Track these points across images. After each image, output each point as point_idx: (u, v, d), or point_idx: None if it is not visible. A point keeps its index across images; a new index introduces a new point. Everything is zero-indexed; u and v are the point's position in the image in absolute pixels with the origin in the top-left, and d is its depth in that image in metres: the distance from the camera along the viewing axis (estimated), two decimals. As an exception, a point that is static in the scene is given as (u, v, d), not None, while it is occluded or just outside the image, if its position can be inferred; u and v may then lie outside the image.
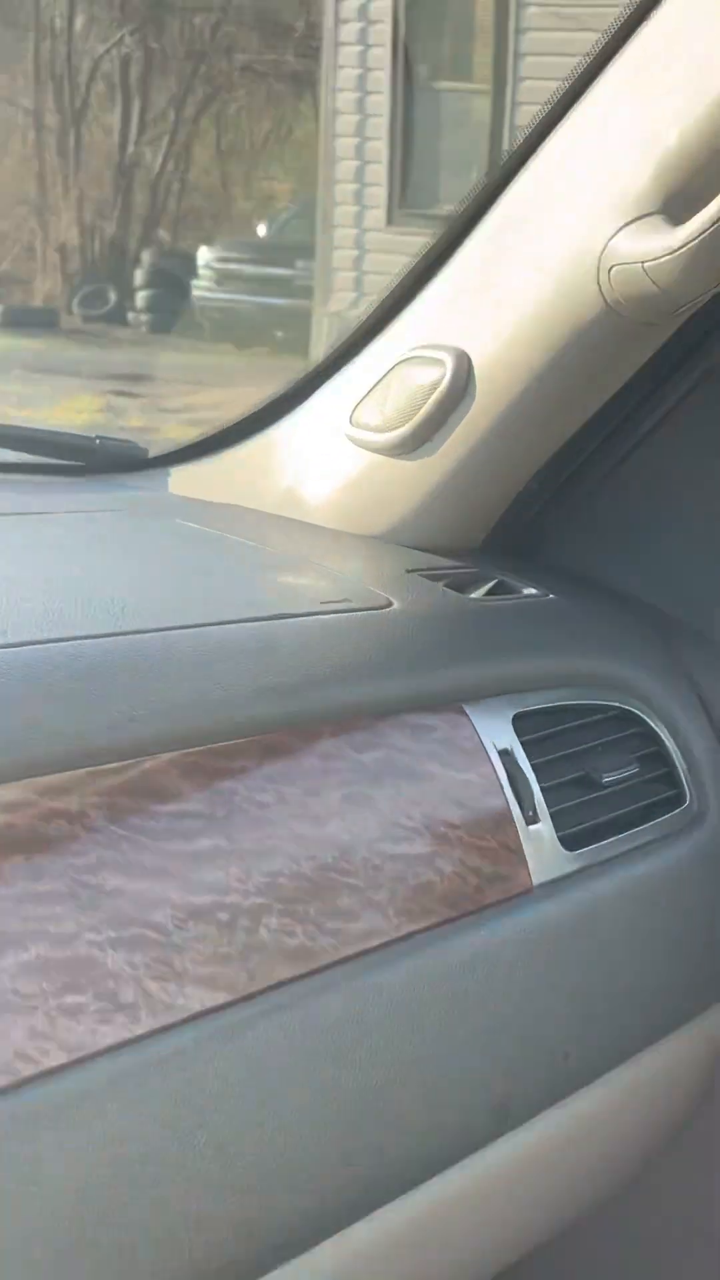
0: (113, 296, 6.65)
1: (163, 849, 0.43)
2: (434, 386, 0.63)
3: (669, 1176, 0.72)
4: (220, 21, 6.78)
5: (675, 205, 0.55)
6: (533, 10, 5.13)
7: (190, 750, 0.45)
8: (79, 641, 0.46)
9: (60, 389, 5.40)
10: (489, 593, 0.65)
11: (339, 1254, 0.47)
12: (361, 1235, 0.47)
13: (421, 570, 0.65)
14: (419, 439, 0.65)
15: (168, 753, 0.45)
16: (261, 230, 7.07)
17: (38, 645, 0.45)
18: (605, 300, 0.57)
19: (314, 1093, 0.45)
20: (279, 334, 6.23)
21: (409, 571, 0.65)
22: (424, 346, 0.65)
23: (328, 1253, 0.46)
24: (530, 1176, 0.59)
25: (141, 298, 6.71)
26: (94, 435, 0.79)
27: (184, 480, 0.79)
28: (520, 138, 0.63)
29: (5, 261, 6.95)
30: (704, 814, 0.63)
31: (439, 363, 0.63)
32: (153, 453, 0.83)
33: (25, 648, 0.45)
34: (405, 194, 5.54)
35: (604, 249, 0.56)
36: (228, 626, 0.52)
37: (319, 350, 6.07)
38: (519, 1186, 0.58)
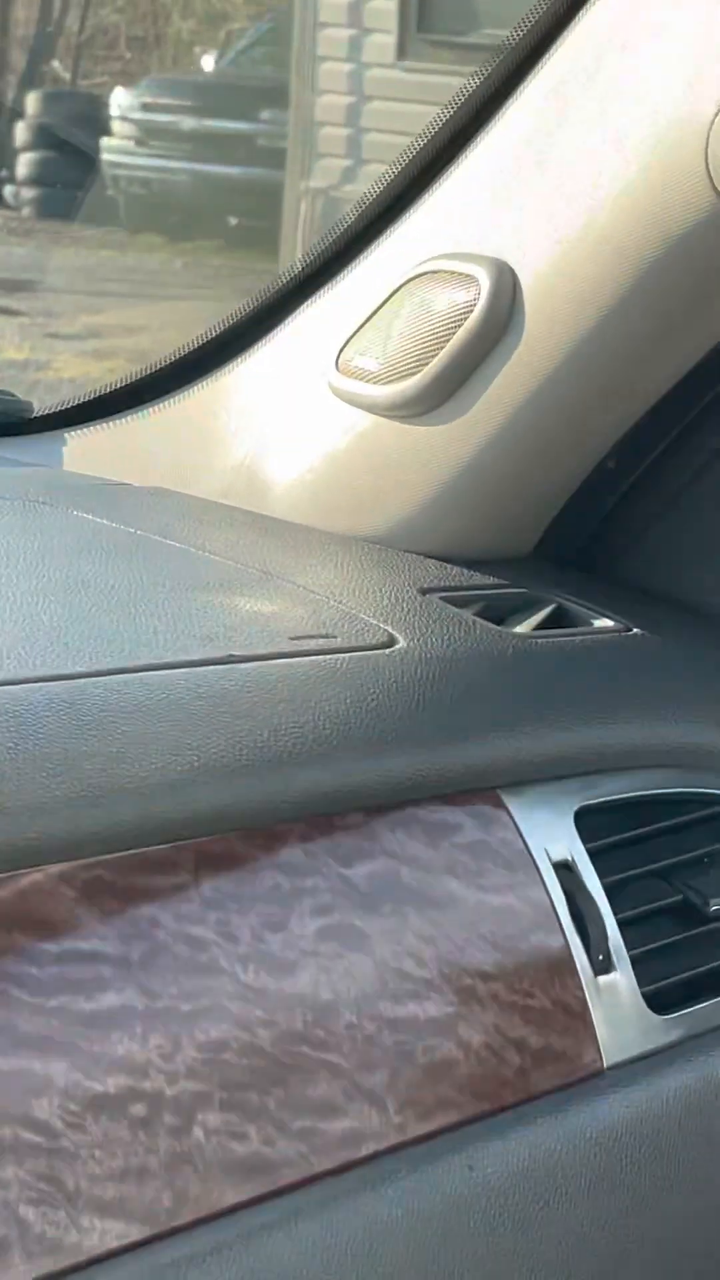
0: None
1: (48, 1007, 0.46)
2: (463, 314, 0.69)
3: None
4: None
5: None
6: None
7: (92, 860, 0.49)
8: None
9: None
10: (542, 624, 0.71)
11: None
12: None
13: (441, 590, 0.71)
14: (441, 392, 0.71)
15: (58, 863, 0.48)
16: (208, 63, 7.65)
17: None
18: (716, 188, 0.62)
19: None
20: (232, 221, 6.68)
21: (423, 592, 0.71)
22: (446, 256, 0.71)
23: None
24: None
25: (23, 164, 7.11)
26: None
27: (85, 450, 0.86)
28: None
29: None
30: None
31: (470, 279, 0.69)
32: (39, 409, 0.90)
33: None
34: (425, 12, 5.94)
35: (717, 115, 0.61)
36: (151, 674, 0.56)
37: (292, 252, 6.34)
38: None
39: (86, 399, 0.92)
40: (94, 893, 0.48)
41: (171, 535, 0.75)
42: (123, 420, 0.89)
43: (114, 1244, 0.44)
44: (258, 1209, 0.47)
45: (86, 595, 0.66)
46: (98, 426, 0.90)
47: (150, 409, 0.87)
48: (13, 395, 0.94)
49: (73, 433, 0.90)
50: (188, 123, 6.88)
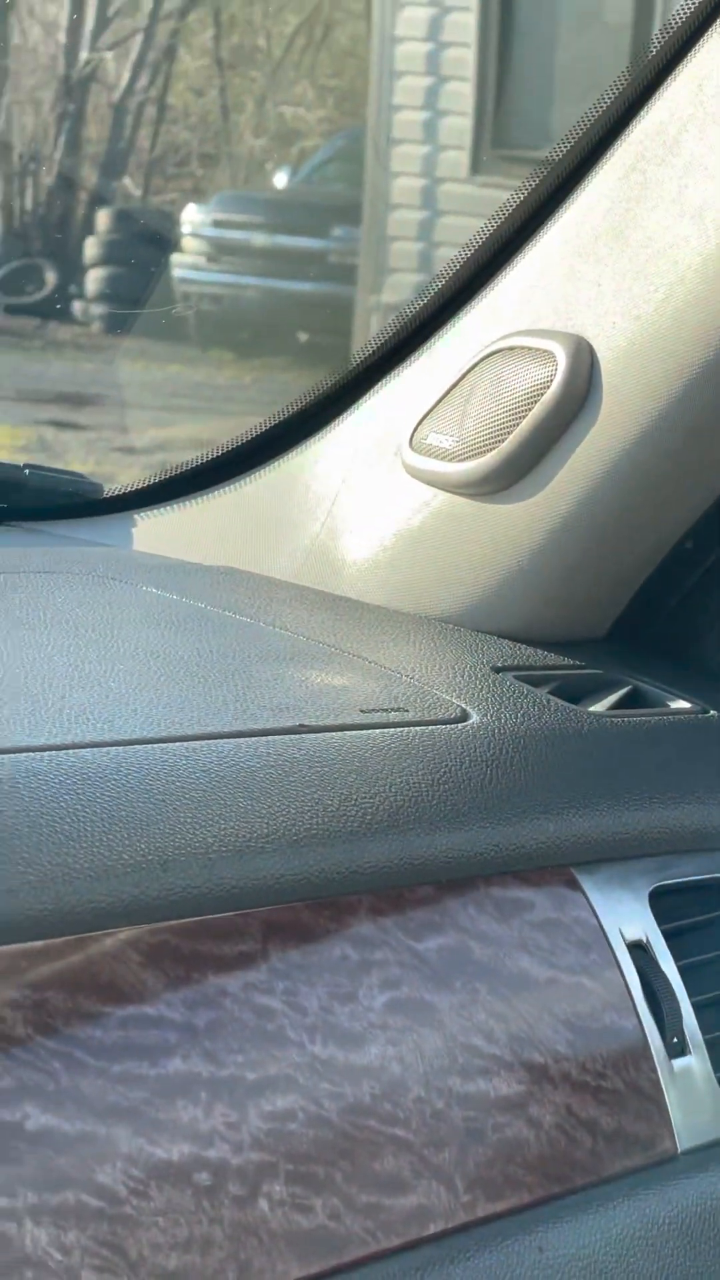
0: (49, 277, 7.51)
1: (112, 1071, 0.48)
2: (539, 390, 0.73)
3: None
4: None
5: None
6: None
7: (159, 925, 0.51)
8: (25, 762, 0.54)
9: None
10: (617, 704, 0.75)
11: None
12: None
13: (515, 669, 0.75)
14: (516, 470, 0.75)
15: (126, 928, 0.51)
16: (281, 180, 8.09)
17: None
18: None
19: None
20: (304, 337, 7.02)
21: (496, 670, 0.75)
22: (524, 333, 0.75)
23: None
24: None
25: (93, 280, 7.54)
26: (22, 465, 0.92)
27: (156, 530, 0.92)
28: (670, 34, 0.72)
29: None
30: None
31: (547, 355, 0.73)
32: (109, 491, 0.97)
33: None
34: (499, 128, 6.25)
35: None
36: (220, 742, 0.60)
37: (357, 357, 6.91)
38: None
39: (158, 481, 0.98)
40: (160, 958, 0.51)
41: (241, 611, 0.80)
42: (193, 502, 0.95)
43: None
44: None
45: (156, 665, 0.71)
46: (168, 508, 0.96)
47: (221, 490, 0.93)
48: (83, 477, 1.01)
49: (143, 514, 0.96)
50: (259, 239, 7.29)
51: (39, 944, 0.49)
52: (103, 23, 8.84)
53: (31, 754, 0.55)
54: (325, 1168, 0.52)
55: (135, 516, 0.96)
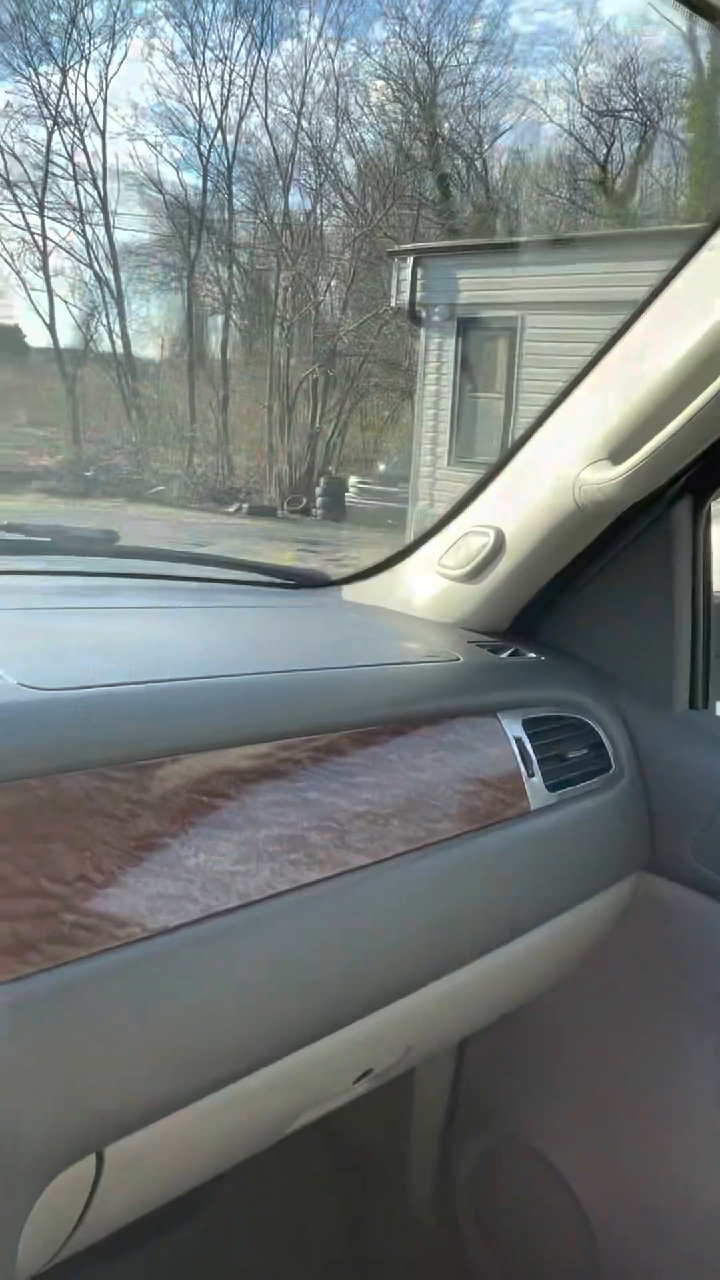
0: (304, 500, 18.71)
1: (340, 780, 1.13)
2: (483, 547, 1.58)
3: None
4: (365, 361, 20.21)
5: (616, 455, 1.43)
6: (529, 352, 13.74)
7: (355, 730, 1.18)
8: (302, 672, 1.20)
9: (273, 547, 13.91)
10: (510, 654, 1.56)
11: (403, 1008, 1.23)
12: (420, 998, 1.24)
13: (475, 642, 1.57)
14: (475, 575, 1.60)
15: (344, 730, 1.18)
16: (382, 467, 19.18)
17: (284, 674, 1.17)
18: (576, 503, 1.47)
19: (421, 914, 1.15)
20: (389, 521, 15.66)
21: (469, 643, 1.55)
22: (479, 525, 1.59)
23: (402, 1005, 1.22)
24: (518, 967, 1.43)
25: (319, 501, 18.18)
26: (300, 567, 1.79)
27: (350, 593, 1.80)
28: (530, 423, 1.54)
29: (251, 480, 19.85)
30: (620, 775, 1.56)
31: (486, 533, 1.57)
32: (333, 578, 1.80)
33: (279, 674, 1.16)
34: (457, 450, 13.97)
35: (576, 477, 1.45)
36: (374, 667, 1.32)
37: (412, 532, 13.68)
38: (509, 975, 1.44)
39: (349, 575, 1.83)
40: (357, 742, 1.19)
41: (380, 620, 1.65)
42: (363, 583, 1.82)
43: (360, 863, 1.13)
44: (411, 854, 1.19)
45: (346, 639, 1.52)
46: (354, 584, 1.83)
47: (373, 579, 1.81)
48: (322, 572, 1.89)
49: (345, 587, 1.85)
50: (374, 487, 18.39)
51: (316, 736, 1.13)
52: (323, 413, 21.73)
53: (311, 671, 1.24)
54: (412, 813, 1.18)
55: (342, 588, 1.80)
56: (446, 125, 23.45)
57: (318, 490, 19.32)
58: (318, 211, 22.58)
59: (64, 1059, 0.86)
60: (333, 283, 21.86)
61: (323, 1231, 2.03)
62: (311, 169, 22.68)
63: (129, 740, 1.00)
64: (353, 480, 19.14)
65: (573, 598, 1.72)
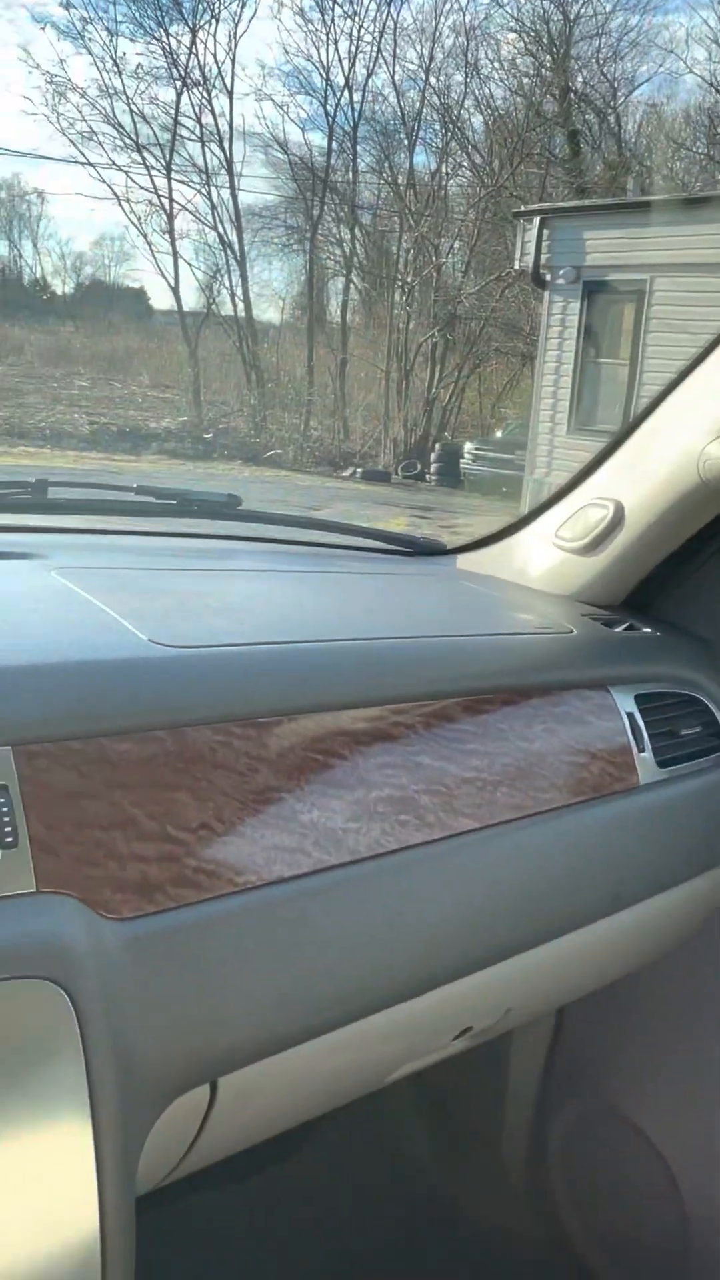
0: (418, 466, 19.04)
1: (450, 746, 1.20)
2: (601, 520, 1.60)
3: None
4: (485, 325, 19.98)
5: None
6: (657, 317, 13.27)
7: (468, 698, 1.25)
8: (417, 639, 1.28)
9: (387, 513, 14.41)
10: (625, 629, 1.57)
11: (504, 971, 1.27)
12: (520, 962, 1.29)
13: (590, 615, 1.59)
14: (592, 547, 1.61)
15: (456, 698, 1.24)
16: (498, 433, 19.17)
17: (399, 640, 1.24)
18: (700, 478, 1.45)
19: (525, 881, 1.22)
20: (504, 490, 16.33)
21: (583, 615, 1.56)
22: (598, 497, 1.60)
23: (503, 968, 1.27)
24: (620, 939, 1.46)
25: (434, 467, 18.80)
26: (415, 534, 1.85)
27: (465, 562, 1.84)
28: (655, 393, 1.54)
29: (366, 445, 20.01)
30: None
31: (605, 506, 1.58)
32: (448, 547, 1.87)
33: (394, 640, 1.24)
34: (577, 419, 13.97)
35: (702, 450, 1.43)
36: (488, 637, 1.37)
37: (528, 501, 13.95)
38: (611, 946, 1.45)
39: (464, 543, 1.86)
40: (468, 709, 1.23)
41: (495, 590, 1.66)
42: (479, 552, 1.84)
43: (467, 828, 1.17)
44: (518, 821, 1.22)
45: (462, 607, 1.57)
46: (469, 554, 1.86)
47: (490, 548, 1.83)
48: (439, 540, 1.90)
49: (460, 556, 1.87)
50: (491, 454, 18.32)
51: (427, 702, 1.19)
52: (441, 379, 21.57)
53: (424, 639, 1.28)
54: (520, 782, 1.22)
55: (457, 556, 1.84)
56: (579, 78, 23.21)
57: (432, 456, 19.44)
58: (443, 171, 22.43)
59: (183, 993, 0.93)
60: (455, 244, 21.70)
61: (411, 1188, 2.07)
62: (438, 126, 22.53)
63: (250, 698, 1.06)
64: (468, 447, 19.11)
65: (691, 573, 1.71)
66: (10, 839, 0.84)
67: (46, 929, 0.83)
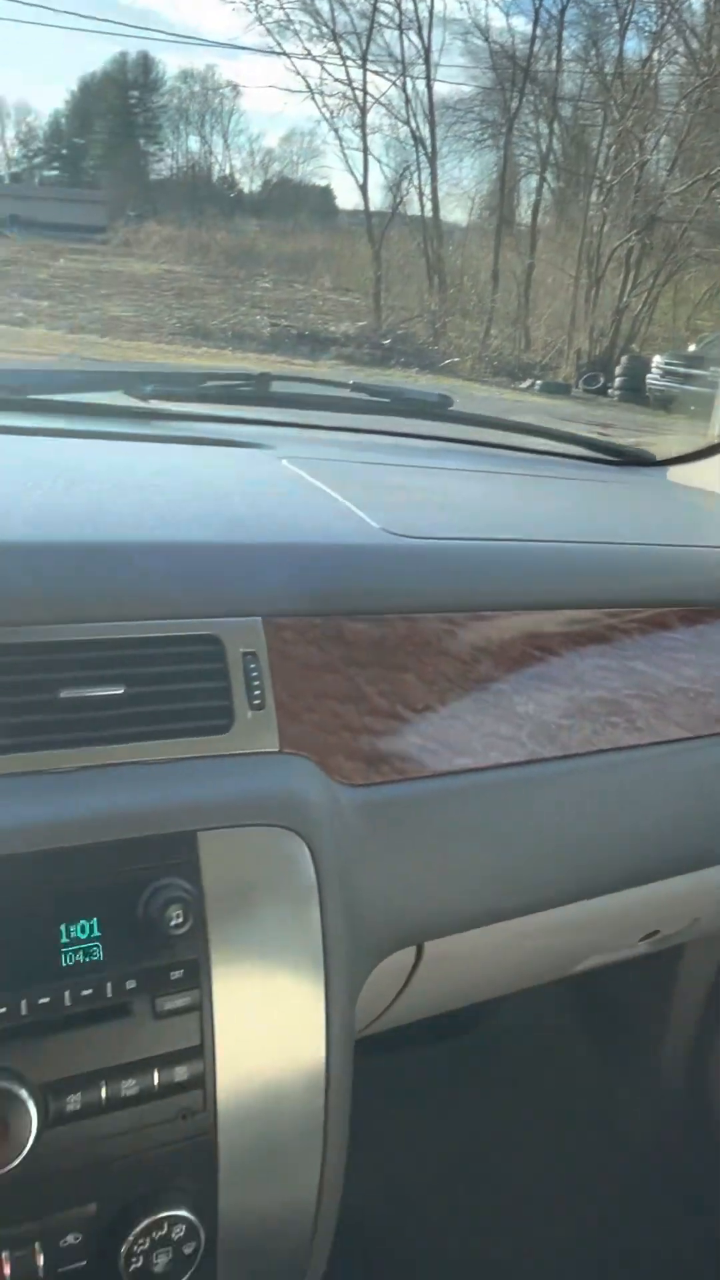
0: (601, 380, 18.75)
1: (665, 654, 1.24)
2: None
3: None
4: (687, 228, 19.14)
5: None
6: None
7: (685, 608, 1.25)
8: (635, 545, 1.26)
9: (563, 427, 16.67)
10: None
11: (697, 880, 1.31)
12: (714, 874, 1.31)
13: None
14: None
15: (674, 607, 1.25)
16: (691, 347, 18.53)
17: (617, 545, 1.23)
18: None
19: (654, 802, 1.20)
20: (693, 407, 15.43)
21: None
22: None
23: (697, 877, 1.30)
24: (697, 890, 1.36)
25: (618, 381, 18.52)
26: (624, 444, 1.95)
27: (675, 474, 1.84)
28: None
29: (548, 356, 19.53)
30: None
31: None
32: (658, 458, 1.84)
33: (612, 545, 1.22)
34: None
35: None
36: (705, 549, 1.33)
37: (718, 420, 16.37)
38: (691, 893, 1.37)
39: (674, 456, 1.84)
40: (682, 618, 1.25)
41: (698, 502, 1.65)
42: (687, 466, 1.84)
43: (656, 738, 1.20)
44: (679, 743, 1.22)
45: (665, 515, 1.56)
46: (678, 466, 1.85)
47: (697, 464, 1.80)
48: (647, 451, 1.93)
49: (669, 469, 1.87)
50: (680, 369, 17.72)
51: (640, 609, 1.21)
52: (634, 286, 20.81)
53: (623, 545, 1.25)
54: (642, 716, 1.20)
55: (666, 469, 1.82)
56: None
57: (617, 370, 19.01)
58: (655, 59, 21.38)
59: (404, 860, 1.01)
60: (662, 140, 20.80)
61: (572, 1082, 2.14)
62: (653, 8, 21.45)
63: (477, 591, 1.12)
64: (657, 360, 18.54)
65: None
66: (259, 702, 0.92)
67: (291, 785, 0.91)
